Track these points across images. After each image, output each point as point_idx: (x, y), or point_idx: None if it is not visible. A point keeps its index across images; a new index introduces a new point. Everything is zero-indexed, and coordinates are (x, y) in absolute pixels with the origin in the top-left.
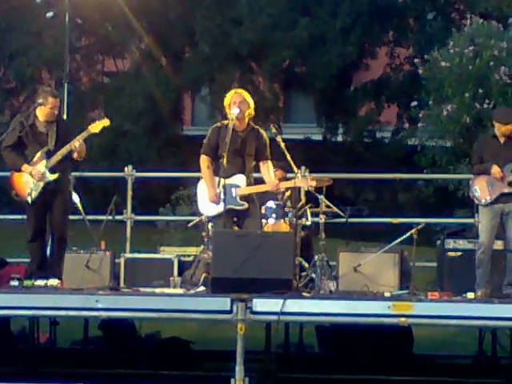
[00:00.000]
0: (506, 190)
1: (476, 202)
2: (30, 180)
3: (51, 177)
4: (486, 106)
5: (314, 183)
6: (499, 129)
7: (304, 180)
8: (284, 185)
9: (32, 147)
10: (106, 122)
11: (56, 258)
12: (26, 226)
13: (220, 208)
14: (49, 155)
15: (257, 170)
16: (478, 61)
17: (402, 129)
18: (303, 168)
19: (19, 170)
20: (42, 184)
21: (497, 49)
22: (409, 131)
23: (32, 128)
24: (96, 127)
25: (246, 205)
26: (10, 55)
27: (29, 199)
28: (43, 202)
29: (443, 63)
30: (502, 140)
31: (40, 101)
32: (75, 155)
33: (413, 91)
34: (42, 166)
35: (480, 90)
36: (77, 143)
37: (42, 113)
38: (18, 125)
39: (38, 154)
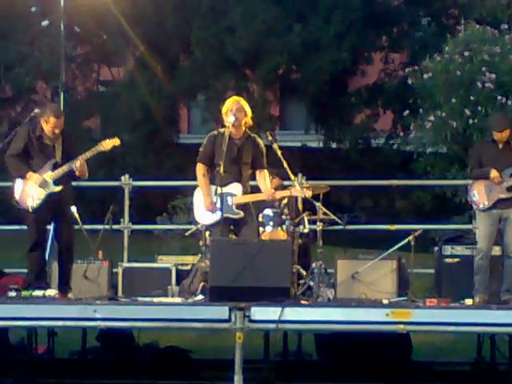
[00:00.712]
0: (504, 196)
1: (474, 207)
2: (33, 188)
3: (55, 188)
4: (477, 111)
5: (309, 193)
6: (495, 135)
7: (300, 190)
8: (280, 194)
9: (38, 158)
10: (116, 142)
11: (65, 270)
12: (26, 236)
13: (216, 217)
14: (55, 167)
15: (253, 178)
16: (469, 66)
17: (397, 135)
18: (300, 175)
19: (23, 178)
20: (44, 193)
21: (490, 54)
22: (404, 138)
23: (39, 139)
24: (106, 145)
25: (241, 213)
26: (5, 65)
27: (29, 207)
28: (45, 212)
29: (426, 75)
30: (500, 145)
31: (44, 117)
32: (77, 173)
33: (408, 97)
34: (47, 177)
35: (472, 97)
36: (78, 163)
37: (45, 127)
38: (26, 134)
39: (46, 166)
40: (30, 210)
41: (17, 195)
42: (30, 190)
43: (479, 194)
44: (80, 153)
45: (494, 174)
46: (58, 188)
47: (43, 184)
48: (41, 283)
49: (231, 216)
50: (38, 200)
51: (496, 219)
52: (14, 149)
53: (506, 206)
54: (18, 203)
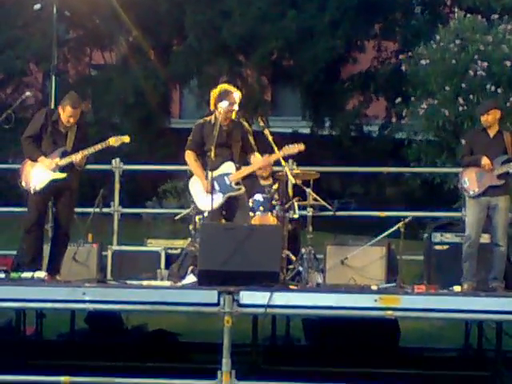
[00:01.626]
0: (495, 183)
1: (465, 193)
2: (40, 171)
3: (60, 175)
4: (469, 100)
5: (302, 147)
6: (484, 120)
7: (291, 147)
8: (273, 157)
9: (47, 143)
10: (126, 139)
11: (57, 253)
12: (23, 217)
13: (219, 199)
14: (63, 155)
15: (245, 163)
16: (463, 55)
17: (389, 123)
18: (290, 161)
19: (35, 161)
20: (49, 178)
21: (483, 43)
22: (396, 125)
23: (54, 125)
24: (115, 141)
25: (243, 188)
26: None
27: (32, 189)
28: (47, 196)
29: (424, 61)
30: (491, 134)
31: (62, 105)
32: (75, 165)
33: (400, 85)
34: (56, 162)
35: (463, 85)
36: (79, 157)
37: (61, 115)
38: (43, 118)
39: (56, 152)
40: (32, 192)
41: (23, 176)
42: (37, 173)
43: (470, 181)
44: (89, 145)
45: (484, 161)
46: (63, 175)
47: (53, 169)
48: (35, 265)
49: (233, 193)
50: (42, 183)
51: (485, 207)
52: (29, 131)
53: (495, 194)
54: (22, 184)
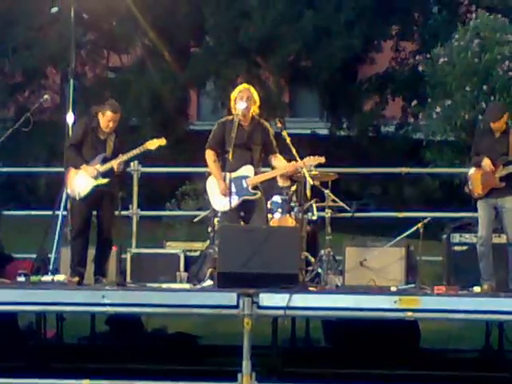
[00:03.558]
0: (496, 186)
1: (471, 194)
2: (83, 179)
3: (102, 181)
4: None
5: (323, 160)
6: (492, 125)
7: (313, 159)
8: (294, 166)
9: (88, 150)
10: (162, 142)
11: (102, 258)
12: (68, 223)
13: (234, 202)
14: (104, 161)
15: (265, 164)
16: (487, 55)
17: (407, 123)
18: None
19: (78, 168)
20: (92, 185)
21: (502, 43)
22: (414, 126)
23: (94, 131)
24: (152, 144)
25: (259, 193)
26: (13, 50)
27: (77, 196)
28: (91, 203)
29: (443, 59)
30: (497, 134)
31: (102, 111)
32: (115, 170)
33: (418, 85)
34: (98, 169)
35: (484, 87)
36: (117, 162)
37: (101, 122)
38: (84, 126)
39: (96, 159)
40: (77, 199)
41: (68, 184)
42: (80, 181)
43: (474, 183)
44: (128, 150)
45: (485, 162)
46: (105, 180)
47: (96, 176)
48: (80, 270)
49: (249, 198)
50: (85, 190)
51: (492, 207)
52: (72, 140)
53: (500, 195)
54: (68, 191)
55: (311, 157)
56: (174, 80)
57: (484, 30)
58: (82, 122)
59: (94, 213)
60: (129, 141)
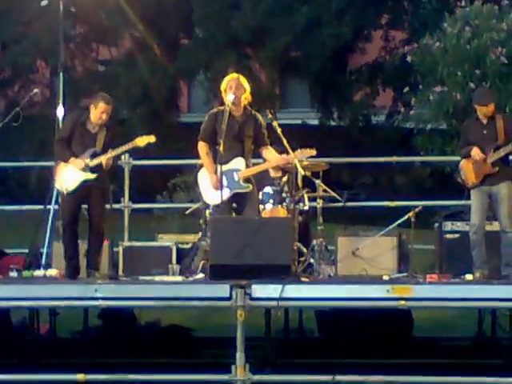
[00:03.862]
0: (490, 171)
1: (465, 185)
2: (71, 173)
3: (90, 176)
4: (481, 86)
5: (314, 152)
6: (480, 111)
7: (304, 151)
8: (285, 159)
9: (77, 144)
10: (151, 139)
11: (94, 251)
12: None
13: (225, 194)
14: (94, 155)
15: (256, 155)
16: (477, 41)
17: (397, 112)
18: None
19: (66, 162)
20: (80, 179)
21: (496, 30)
22: (404, 114)
23: (83, 126)
24: (142, 141)
25: (250, 186)
26: (2, 44)
27: (65, 190)
28: (79, 197)
29: (437, 44)
30: (484, 121)
31: (94, 103)
32: (104, 166)
33: (408, 74)
34: (87, 163)
35: (477, 71)
36: (105, 158)
37: (93, 114)
38: (71, 121)
39: (86, 153)
40: (65, 193)
41: (56, 177)
42: (69, 175)
43: (467, 173)
44: (117, 146)
45: (474, 151)
46: (93, 176)
47: (85, 169)
48: (73, 263)
49: (241, 191)
50: (73, 184)
51: (487, 194)
52: (61, 134)
53: (494, 182)
54: (56, 185)
55: (302, 149)
56: (164, 72)
57: (475, 19)
58: (71, 116)
59: (85, 207)
60: (119, 134)
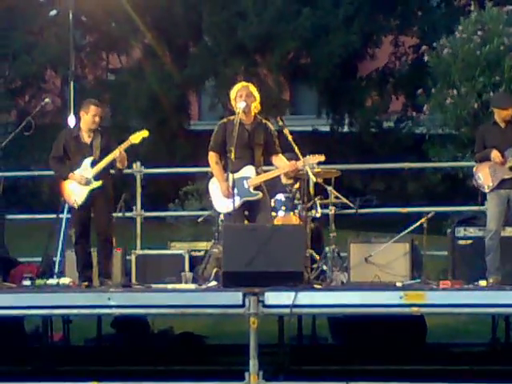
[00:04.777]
0: (507, 176)
1: (480, 189)
2: (76, 187)
3: (96, 184)
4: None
5: (323, 158)
6: (499, 114)
7: (313, 157)
8: (296, 165)
9: (75, 157)
10: (145, 133)
11: (103, 259)
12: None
13: (236, 202)
14: (93, 164)
15: (267, 163)
16: (488, 47)
17: (408, 118)
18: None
19: (66, 179)
20: (87, 191)
21: (506, 35)
22: (415, 120)
23: (76, 139)
24: (136, 138)
25: (260, 194)
26: (13, 54)
27: (75, 205)
28: (88, 207)
29: (447, 50)
30: (502, 125)
31: (84, 109)
32: (118, 164)
33: (418, 80)
34: (88, 174)
35: (497, 77)
36: (117, 152)
37: (85, 122)
38: (63, 137)
39: (84, 163)
40: (76, 207)
41: (64, 194)
42: (74, 189)
43: (484, 177)
44: (115, 149)
45: (494, 154)
46: (99, 183)
47: (86, 182)
48: (86, 273)
49: (250, 199)
50: (82, 197)
51: (504, 199)
52: (54, 152)
53: (511, 186)
54: (65, 202)
55: (311, 155)
56: (173, 80)
57: (487, 23)
58: (62, 134)
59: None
60: (114, 137)
